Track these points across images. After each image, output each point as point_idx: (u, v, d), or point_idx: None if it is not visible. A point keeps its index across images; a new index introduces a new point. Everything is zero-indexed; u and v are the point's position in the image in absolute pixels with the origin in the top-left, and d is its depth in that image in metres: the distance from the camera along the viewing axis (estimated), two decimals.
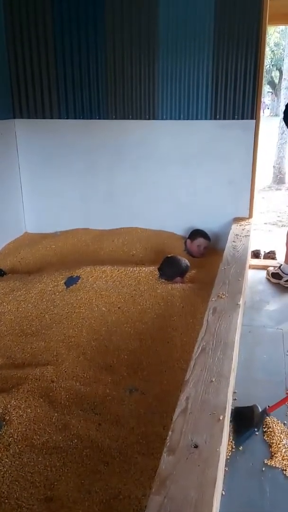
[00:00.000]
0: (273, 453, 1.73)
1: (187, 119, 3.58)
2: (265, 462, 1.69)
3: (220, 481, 1.32)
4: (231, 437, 1.77)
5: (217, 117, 3.52)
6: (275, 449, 1.75)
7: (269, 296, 3.15)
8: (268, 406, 1.86)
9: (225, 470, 1.65)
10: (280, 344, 2.55)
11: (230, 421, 1.80)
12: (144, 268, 3.10)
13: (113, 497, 1.55)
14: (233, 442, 1.75)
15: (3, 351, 2.47)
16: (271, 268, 3.39)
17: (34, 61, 3.70)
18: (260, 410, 1.86)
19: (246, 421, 1.82)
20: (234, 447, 1.76)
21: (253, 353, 2.47)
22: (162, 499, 1.05)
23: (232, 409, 1.83)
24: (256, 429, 1.79)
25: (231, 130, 3.51)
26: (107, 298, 2.87)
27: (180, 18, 3.36)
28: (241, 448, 1.74)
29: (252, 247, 3.73)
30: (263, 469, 1.68)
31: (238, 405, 1.95)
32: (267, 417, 1.86)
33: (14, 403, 1.91)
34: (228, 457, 1.73)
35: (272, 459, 1.70)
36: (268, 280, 3.34)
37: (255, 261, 3.73)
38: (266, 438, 1.80)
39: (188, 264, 3.17)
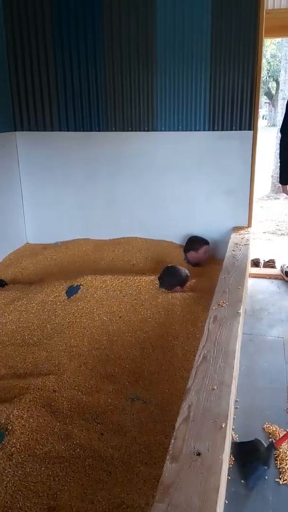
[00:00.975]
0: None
1: (185, 130, 3.62)
2: (276, 480, 1.68)
3: (223, 489, 1.33)
4: (241, 475, 1.69)
5: (215, 128, 3.56)
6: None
7: (269, 304, 3.17)
8: (274, 441, 1.81)
9: (228, 478, 1.66)
10: (281, 352, 2.56)
11: (234, 458, 1.75)
12: (144, 278, 3.12)
13: (116, 506, 1.55)
14: (245, 482, 1.65)
15: (5, 361, 2.48)
16: (285, 266, 3.44)
17: (34, 75, 3.76)
18: (265, 444, 1.79)
19: (252, 458, 1.72)
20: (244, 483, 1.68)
21: (254, 362, 2.48)
22: (166, 506, 1.06)
23: (232, 443, 1.77)
24: (266, 467, 1.70)
25: (229, 140, 3.56)
26: (108, 308, 2.89)
27: (178, 31, 3.42)
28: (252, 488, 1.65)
29: (252, 256, 3.76)
30: (266, 477, 1.69)
31: (239, 415, 1.95)
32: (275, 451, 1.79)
33: (17, 413, 1.92)
34: (231, 465, 1.73)
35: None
36: (283, 278, 3.40)
37: (255, 270, 3.75)
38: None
39: (188, 273, 3.19)
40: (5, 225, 3.88)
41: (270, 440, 1.84)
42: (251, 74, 3.40)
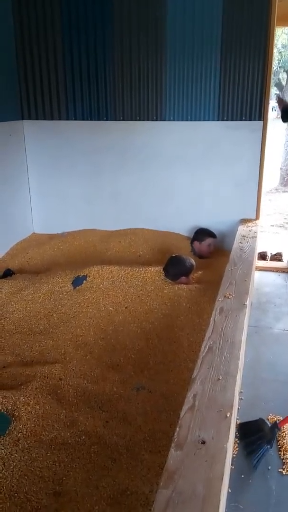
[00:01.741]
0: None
1: (194, 120, 3.60)
2: (279, 470, 1.69)
3: (226, 478, 1.34)
4: (244, 453, 1.72)
5: (225, 118, 3.54)
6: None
7: (276, 297, 3.16)
8: (278, 421, 1.82)
9: (231, 468, 1.67)
10: (286, 345, 2.56)
11: (238, 437, 1.76)
12: (150, 269, 3.12)
13: (121, 492, 1.57)
14: (251, 461, 1.68)
15: (12, 349, 2.50)
16: None
17: (42, 63, 3.74)
18: (269, 424, 1.82)
19: (255, 437, 1.74)
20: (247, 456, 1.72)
21: (259, 354, 2.48)
22: (170, 492, 1.07)
23: (237, 423, 1.80)
24: (269, 446, 1.71)
25: (238, 131, 3.53)
26: (114, 298, 2.90)
27: (188, 19, 3.39)
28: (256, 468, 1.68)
29: (259, 249, 3.74)
30: (269, 467, 1.70)
31: (243, 406, 1.96)
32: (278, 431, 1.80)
33: (23, 399, 1.94)
34: (234, 455, 1.75)
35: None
36: None
37: (262, 263, 3.74)
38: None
39: (193, 263, 3.18)
40: (12, 215, 3.89)
41: (274, 420, 1.86)
42: (262, 63, 3.37)
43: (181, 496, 1.06)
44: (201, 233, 3.70)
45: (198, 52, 3.45)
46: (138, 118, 3.70)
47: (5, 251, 3.82)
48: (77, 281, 3.04)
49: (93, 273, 3.08)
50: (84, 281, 3.03)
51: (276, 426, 1.77)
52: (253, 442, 1.74)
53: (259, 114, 3.47)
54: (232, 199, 3.70)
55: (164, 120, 3.66)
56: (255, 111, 3.47)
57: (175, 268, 3.09)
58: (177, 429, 1.29)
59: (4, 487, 1.58)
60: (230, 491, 1.56)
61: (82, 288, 2.99)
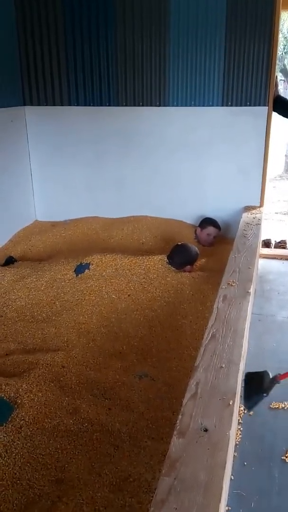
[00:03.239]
0: None
1: (198, 106, 3.54)
2: (282, 458, 1.69)
3: (229, 465, 1.34)
4: (241, 406, 1.75)
5: (229, 103, 3.48)
6: None
7: (280, 285, 3.14)
8: (279, 374, 1.85)
9: (234, 455, 1.66)
10: None
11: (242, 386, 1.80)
12: (153, 257, 3.10)
13: (123, 479, 1.57)
14: (243, 406, 1.76)
15: (14, 336, 2.50)
16: None
17: (44, 48, 3.68)
18: (271, 376, 1.85)
19: (256, 385, 1.77)
20: (245, 411, 1.77)
21: (262, 341, 2.47)
22: (172, 480, 1.07)
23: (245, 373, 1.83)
24: (265, 394, 1.73)
25: (242, 116, 3.47)
26: (117, 286, 2.88)
27: (192, 2, 3.31)
28: (251, 413, 1.77)
29: (263, 237, 3.71)
30: (273, 454, 1.69)
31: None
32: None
33: (26, 387, 1.94)
34: (237, 442, 1.74)
35: None
36: None
37: (266, 251, 3.71)
38: None
39: (198, 252, 3.16)
40: (15, 202, 3.87)
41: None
42: (267, 48, 3.29)
43: (183, 484, 1.06)
44: (205, 222, 3.66)
45: (202, 36, 3.38)
46: (141, 103, 3.64)
47: (7, 239, 3.81)
48: (79, 269, 3.02)
49: (96, 261, 3.06)
50: (87, 269, 3.02)
51: (276, 379, 1.79)
52: (253, 391, 1.75)
53: (264, 99, 3.40)
54: (236, 186, 3.66)
55: (168, 105, 3.60)
56: (259, 97, 3.40)
57: (180, 257, 3.06)
58: (180, 416, 1.29)
59: (7, 474, 1.58)
60: (233, 478, 1.56)
61: (85, 276, 2.97)
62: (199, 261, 3.22)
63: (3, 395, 1.88)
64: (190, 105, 3.55)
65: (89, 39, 3.59)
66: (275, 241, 3.91)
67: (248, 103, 3.44)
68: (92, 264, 3.04)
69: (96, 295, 2.82)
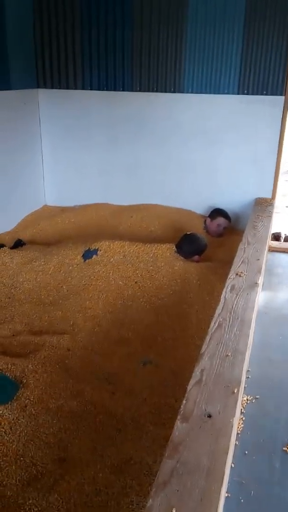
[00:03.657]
0: None
1: (213, 93, 3.50)
2: (283, 449, 1.69)
3: (231, 453, 1.34)
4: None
5: (245, 91, 3.43)
6: None
7: None
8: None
9: (235, 444, 1.67)
10: None
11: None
12: (162, 245, 3.10)
13: (125, 462, 1.59)
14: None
15: (21, 318, 2.52)
16: None
17: (59, 31, 3.65)
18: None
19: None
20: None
21: (268, 334, 2.46)
22: (175, 463, 1.07)
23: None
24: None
25: (258, 106, 3.43)
26: (124, 273, 2.89)
27: None
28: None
29: (273, 230, 3.69)
30: (274, 445, 1.70)
31: (249, 385, 1.95)
32: None
33: (31, 367, 1.96)
34: (239, 431, 1.75)
35: None
36: None
37: (276, 244, 3.68)
38: None
39: (207, 243, 3.15)
40: (25, 186, 3.87)
41: None
42: (286, 37, 3.24)
43: (185, 467, 1.07)
44: (216, 212, 3.65)
45: (221, 22, 3.33)
46: (155, 89, 3.61)
47: (16, 222, 3.82)
48: (87, 254, 3.03)
49: (104, 247, 3.06)
50: (95, 255, 3.02)
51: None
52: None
53: (281, 88, 3.35)
54: (248, 177, 3.63)
55: (182, 92, 3.56)
56: (277, 86, 3.35)
57: (189, 247, 3.05)
58: (184, 402, 1.29)
59: (10, 451, 1.60)
60: (233, 466, 1.57)
61: (93, 261, 2.98)
62: (208, 251, 3.21)
63: (9, 374, 1.90)
64: (205, 92, 3.52)
65: (105, 23, 3.55)
66: (285, 234, 3.88)
67: (264, 92, 3.39)
68: (100, 250, 3.04)
69: (103, 281, 2.82)
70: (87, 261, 3.00)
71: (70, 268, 2.95)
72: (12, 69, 3.50)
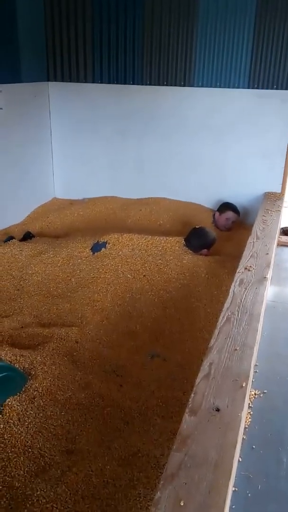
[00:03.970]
0: None
1: (223, 87, 3.47)
2: None
3: (239, 446, 1.34)
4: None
5: (255, 86, 3.40)
6: None
7: None
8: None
9: (243, 438, 1.67)
10: None
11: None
12: (170, 238, 3.09)
13: (132, 454, 1.59)
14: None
15: (30, 310, 2.53)
16: None
17: (70, 23, 3.63)
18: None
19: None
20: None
21: (276, 329, 2.45)
22: (183, 456, 1.08)
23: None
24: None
25: (269, 100, 3.40)
26: (133, 266, 2.89)
27: None
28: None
29: (282, 224, 3.66)
30: (282, 439, 1.69)
31: (257, 379, 1.94)
32: None
33: (40, 359, 1.97)
34: (247, 426, 1.75)
35: None
36: None
37: (285, 238, 3.65)
38: None
39: (215, 237, 3.14)
40: (34, 178, 3.87)
41: None
42: None
43: (193, 460, 1.07)
44: (225, 206, 3.63)
45: (232, 15, 3.29)
46: (165, 83, 3.59)
47: (26, 215, 3.83)
48: (96, 247, 3.03)
49: (113, 240, 3.06)
50: (104, 248, 3.02)
51: None
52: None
53: None
54: (257, 172, 3.61)
55: (193, 86, 3.54)
56: (287, 80, 3.32)
57: (198, 240, 3.04)
58: (192, 395, 1.29)
59: (19, 442, 1.61)
60: (240, 460, 1.57)
61: (101, 254, 2.98)
62: (216, 245, 3.19)
63: (17, 366, 1.91)
64: (215, 86, 3.49)
65: (116, 17, 3.53)
66: None
67: (275, 86, 3.36)
68: (109, 243, 3.04)
69: (112, 274, 2.82)
70: (95, 254, 3.00)
71: (79, 261, 2.95)
72: (23, 62, 3.49)
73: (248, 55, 3.35)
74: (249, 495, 1.34)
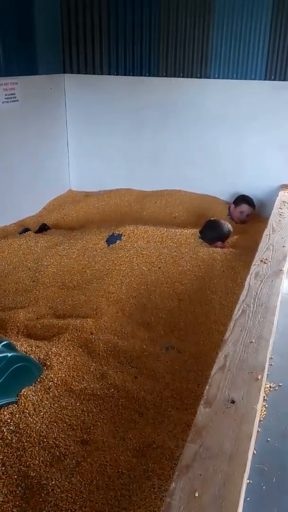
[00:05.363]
0: None
1: (240, 79, 3.42)
2: None
3: (254, 439, 1.33)
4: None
5: (272, 77, 3.35)
6: None
7: None
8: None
9: (258, 431, 1.66)
10: None
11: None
12: (186, 231, 3.07)
13: (147, 445, 1.60)
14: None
15: (46, 301, 2.55)
16: None
17: (86, 16, 3.62)
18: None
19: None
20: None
21: None
22: (198, 447, 1.08)
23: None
24: None
25: (286, 91, 3.35)
26: (148, 258, 2.88)
27: None
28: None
29: None
30: None
31: (272, 372, 1.93)
32: None
33: (55, 350, 1.98)
34: (262, 419, 1.73)
35: None
36: None
37: None
38: None
39: (231, 229, 3.11)
40: (50, 171, 3.89)
41: None
42: None
43: (208, 451, 1.07)
44: (241, 199, 3.59)
45: (249, 6, 3.25)
46: (181, 74, 3.55)
47: (41, 207, 3.85)
48: (111, 239, 3.03)
49: (128, 232, 3.05)
50: (119, 240, 3.02)
51: None
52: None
53: None
54: (274, 164, 3.56)
55: (209, 77, 3.50)
56: None
57: (212, 232, 3.02)
58: (207, 387, 1.29)
59: (34, 432, 1.63)
60: (255, 452, 1.56)
61: (116, 246, 2.98)
62: (232, 238, 3.17)
63: (33, 357, 1.92)
64: (232, 78, 3.44)
65: (132, 9, 3.50)
66: None
67: None
68: (124, 235, 3.04)
69: (127, 266, 2.82)
70: (111, 246, 3.00)
71: (94, 252, 2.96)
72: (39, 54, 3.49)
73: (265, 47, 3.30)
74: (264, 487, 1.34)
